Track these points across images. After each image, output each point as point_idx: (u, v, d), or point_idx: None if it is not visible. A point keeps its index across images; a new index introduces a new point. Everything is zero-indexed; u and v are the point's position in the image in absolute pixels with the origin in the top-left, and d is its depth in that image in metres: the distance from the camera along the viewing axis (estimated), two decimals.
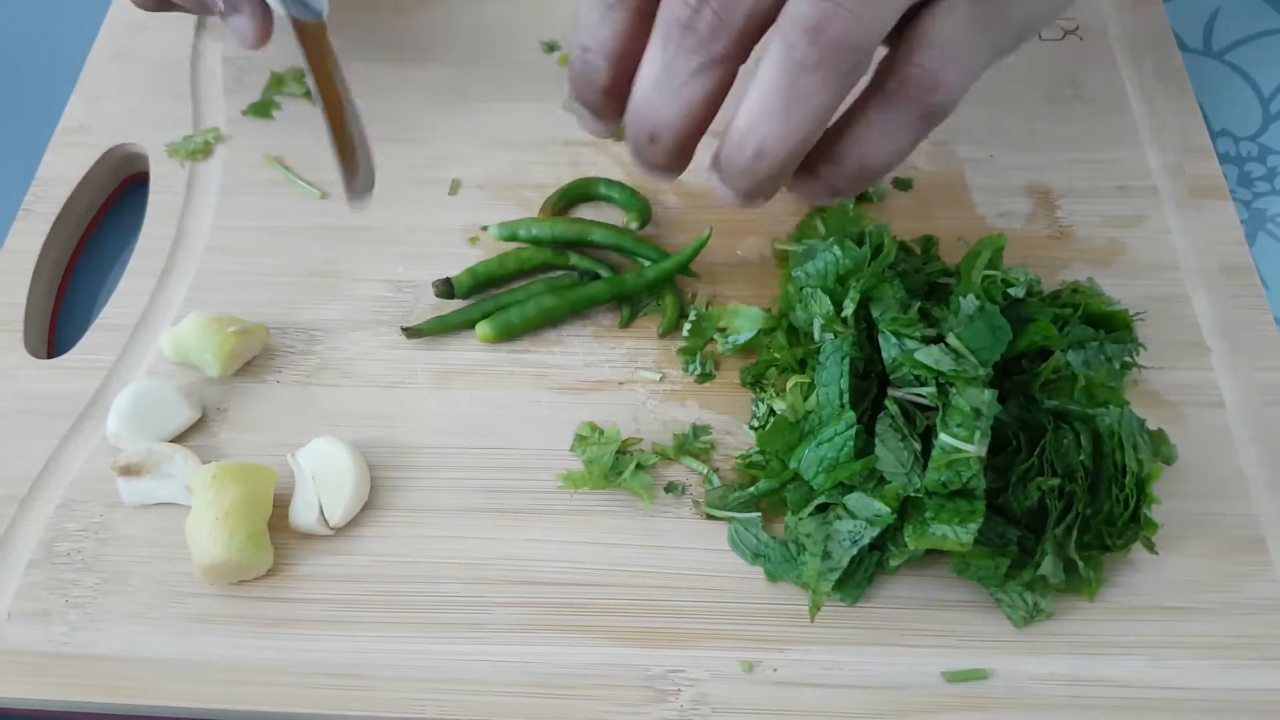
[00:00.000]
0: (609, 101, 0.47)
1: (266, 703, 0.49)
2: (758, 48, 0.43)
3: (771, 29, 0.42)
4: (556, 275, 0.62)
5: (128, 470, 0.53)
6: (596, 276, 0.60)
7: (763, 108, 0.43)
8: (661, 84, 0.44)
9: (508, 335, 0.59)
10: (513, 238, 0.61)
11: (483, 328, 0.58)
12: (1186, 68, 0.70)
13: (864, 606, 0.51)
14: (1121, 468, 0.47)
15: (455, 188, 0.66)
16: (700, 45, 0.42)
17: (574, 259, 0.61)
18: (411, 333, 0.59)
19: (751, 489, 0.53)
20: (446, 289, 0.60)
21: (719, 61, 0.43)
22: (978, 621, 0.51)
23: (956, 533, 0.46)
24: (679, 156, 0.46)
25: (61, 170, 0.66)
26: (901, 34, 0.43)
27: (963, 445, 0.46)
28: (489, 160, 0.67)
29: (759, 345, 0.57)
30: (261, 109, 0.69)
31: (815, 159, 0.46)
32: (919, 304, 0.50)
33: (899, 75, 0.43)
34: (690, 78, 0.43)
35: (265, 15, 0.59)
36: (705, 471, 0.55)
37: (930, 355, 0.47)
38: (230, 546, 0.49)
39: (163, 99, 0.70)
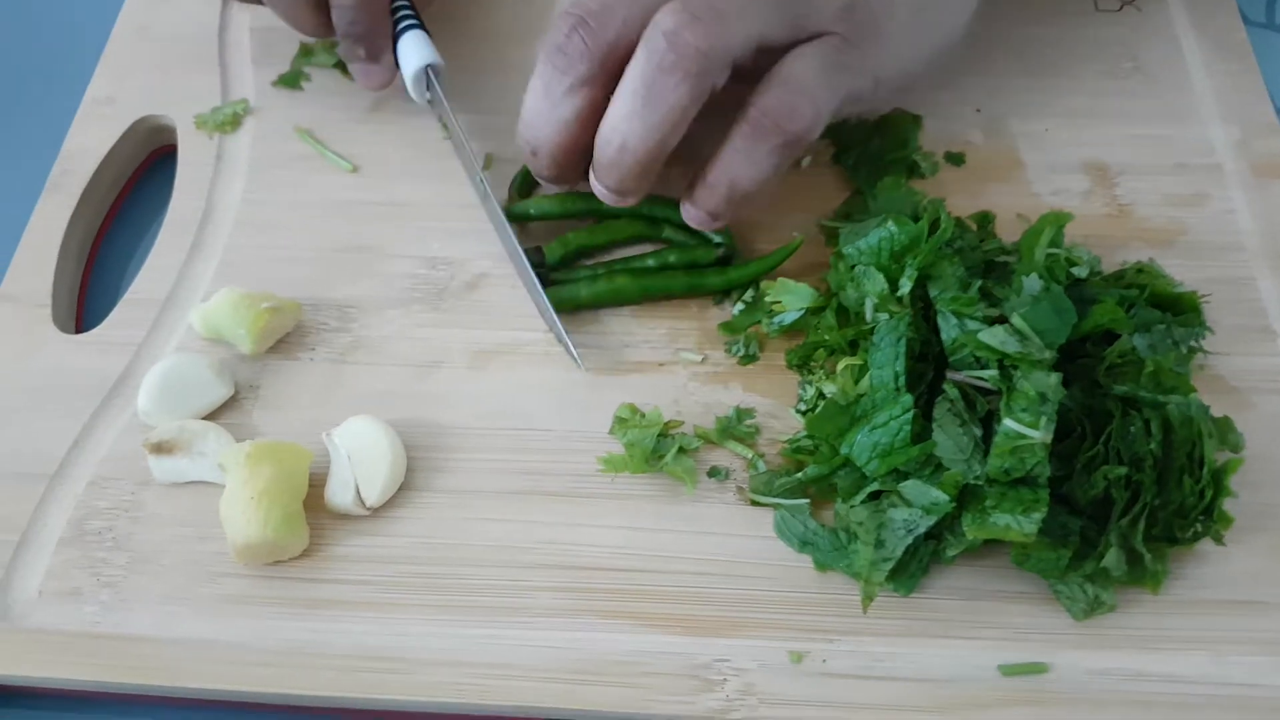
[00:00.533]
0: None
1: (301, 686, 0.47)
2: None
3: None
4: (644, 253, 0.60)
5: (159, 448, 0.52)
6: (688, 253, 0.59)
7: (627, 108, 0.48)
8: (540, 103, 0.51)
9: (573, 307, 0.57)
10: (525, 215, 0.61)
11: (549, 297, 0.57)
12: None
13: (917, 597, 0.49)
14: (1198, 459, 0.45)
15: (489, 162, 0.64)
16: (570, 67, 0.49)
17: (668, 231, 0.59)
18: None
19: (799, 474, 0.51)
20: (538, 258, 0.58)
21: (586, 83, 0.49)
22: (1035, 614, 0.49)
23: (1019, 522, 0.44)
24: (559, 170, 0.53)
25: (88, 143, 0.65)
26: (764, 76, 0.50)
27: (1027, 431, 0.44)
28: None
29: (805, 326, 0.55)
30: (291, 80, 0.68)
31: (691, 188, 0.53)
32: (979, 282, 0.48)
33: (759, 105, 0.49)
34: (562, 98, 0.50)
35: (395, 67, 0.64)
36: (750, 456, 0.53)
37: (995, 336, 0.45)
38: (266, 526, 0.48)
39: (190, 70, 0.68)
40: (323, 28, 0.62)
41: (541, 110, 0.51)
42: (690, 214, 0.54)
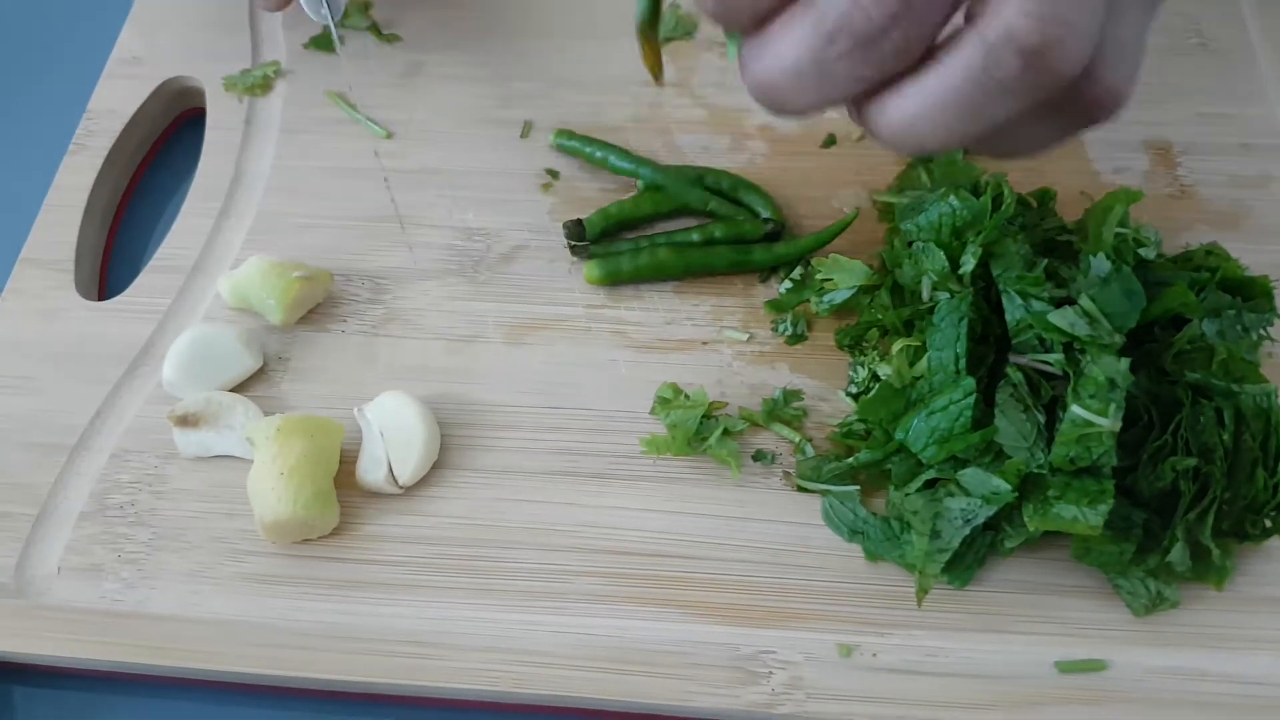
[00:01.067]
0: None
1: (329, 669, 0.46)
2: None
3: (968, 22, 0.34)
4: (688, 227, 0.57)
5: (185, 420, 0.50)
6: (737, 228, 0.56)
7: (933, 107, 0.36)
8: (804, 65, 0.36)
9: (613, 281, 0.56)
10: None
11: (590, 269, 0.55)
12: None
13: (972, 590, 0.47)
14: (1274, 452, 0.43)
15: (527, 130, 0.62)
16: (869, 54, 0.35)
17: (713, 204, 0.57)
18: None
19: (849, 460, 0.49)
20: (578, 230, 0.56)
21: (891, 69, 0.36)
22: (1094, 609, 0.47)
23: (1085, 514, 0.42)
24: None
25: (114, 103, 0.63)
26: None
27: (1095, 418, 0.42)
28: (563, 101, 0.63)
29: (857, 305, 0.53)
30: (323, 42, 0.66)
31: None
32: (1045, 261, 0.46)
33: (1077, 96, 0.36)
34: (844, 79, 0.36)
35: None
36: (797, 440, 0.51)
37: (1064, 318, 0.43)
38: (296, 504, 0.46)
39: (220, 30, 0.66)
40: None
41: (807, 79, 0.36)
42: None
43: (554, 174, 0.60)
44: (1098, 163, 0.59)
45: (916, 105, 0.36)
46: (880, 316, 0.50)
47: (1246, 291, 0.50)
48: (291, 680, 0.46)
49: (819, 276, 0.53)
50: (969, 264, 0.47)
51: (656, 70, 0.43)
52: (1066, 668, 0.46)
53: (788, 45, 0.36)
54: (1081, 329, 0.43)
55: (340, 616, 0.47)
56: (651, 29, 0.43)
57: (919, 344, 0.48)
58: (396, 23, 0.66)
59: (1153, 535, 0.45)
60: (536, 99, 0.63)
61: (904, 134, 0.37)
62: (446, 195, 0.59)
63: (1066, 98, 0.36)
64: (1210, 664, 0.46)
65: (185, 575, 0.48)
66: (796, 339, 0.54)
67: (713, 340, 0.54)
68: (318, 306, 0.55)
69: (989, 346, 0.47)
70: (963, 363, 0.45)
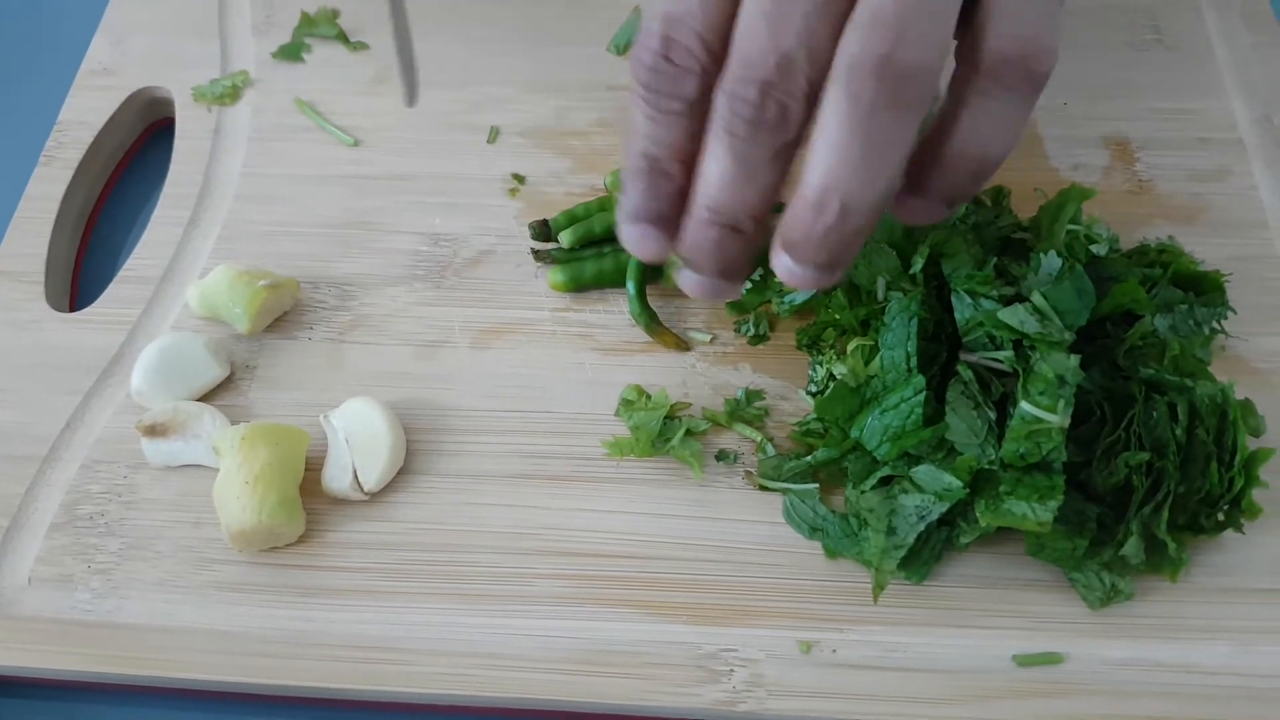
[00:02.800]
0: (677, 207, 0.41)
1: (298, 676, 0.46)
2: None
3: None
4: None
5: (153, 430, 0.51)
6: None
7: (838, 161, 0.38)
8: (738, 177, 0.39)
9: (578, 287, 0.56)
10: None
11: (554, 275, 0.56)
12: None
13: (930, 585, 0.48)
14: (1230, 447, 0.44)
15: (494, 135, 0.62)
16: (773, 133, 0.38)
17: None
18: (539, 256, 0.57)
19: (808, 458, 0.50)
20: (544, 231, 0.57)
21: (791, 143, 0.39)
22: (1051, 602, 0.47)
23: (1035, 510, 0.43)
24: (753, 251, 0.42)
25: (84, 114, 0.64)
26: (973, 12, 0.39)
27: (1045, 415, 0.42)
28: (530, 105, 0.64)
29: (817, 305, 0.53)
30: (292, 51, 0.66)
31: (920, 175, 0.42)
32: (995, 260, 0.47)
33: (996, 52, 0.38)
34: (768, 164, 0.39)
35: None
36: (759, 439, 0.51)
37: (1015, 315, 0.44)
38: (261, 512, 0.47)
39: (189, 40, 0.67)
40: None
41: (742, 183, 0.39)
42: (919, 208, 0.43)
43: (520, 179, 0.60)
44: (1055, 159, 0.60)
45: (823, 160, 0.38)
46: (837, 316, 0.51)
47: (1199, 286, 0.51)
48: (259, 687, 0.47)
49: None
50: (918, 264, 0.47)
51: (681, 346, 0.51)
52: (1024, 661, 0.46)
53: (709, 170, 0.39)
54: (1031, 326, 0.44)
55: (307, 624, 0.47)
56: (654, 323, 0.52)
57: (873, 343, 0.48)
58: (364, 30, 0.67)
59: (1107, 529, 0.46)
60: (502, 105, 0.63)
61: (829, 195, 0.38)
62: (413, 201, 0.60)
63: (982, 66, 0.38)
64: (1166, 654, 0.46)
65: (155, 584, 0.48)
66: (758, 339, 0.55)
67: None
68: (285, 314, 0.56)
69: (941, 345, 0.47)
70: (914, 361, 0.46)
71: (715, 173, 0.39)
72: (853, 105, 0.37)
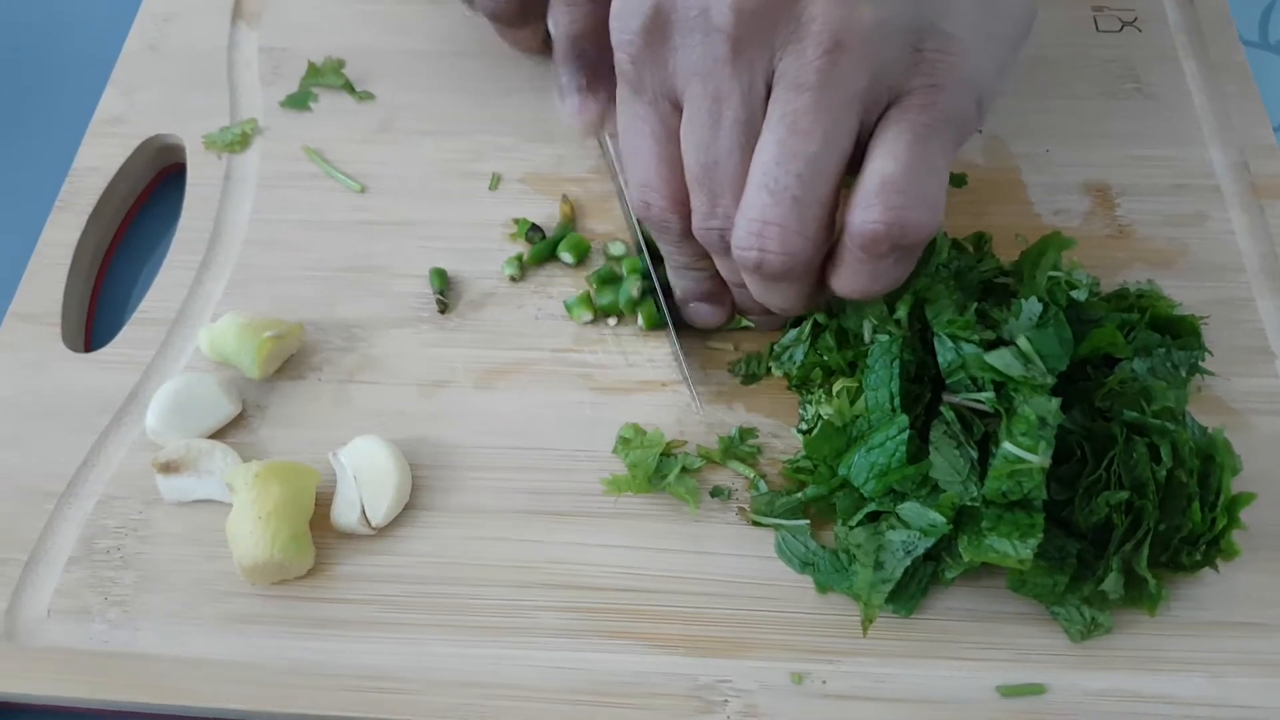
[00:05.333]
0: (715, 284, 0.55)
1: (308, 705, 0.48)
2: None
3: None
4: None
5: (167, 467, 0.52)
6: None
7: (759, 293, 0.50)
8: (732, 271, 0.53)
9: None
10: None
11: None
12: None
13: (917, 618, 0.49)
14: (1214, 488, 0.46)
15: (496, 182, 0.65)
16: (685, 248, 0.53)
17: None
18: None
19: (799, 495, 0.51)
20: (538, 234, 0.61)
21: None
22: (1034, 635, 0.49)
23: (1015, 548, 0.44)
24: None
25: (97, 162, 0.66)
26: (858, 169, 0.45)
27: (1026, 455, 0.44)
28: (530, 153, 0.66)
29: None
30: (299, 100, 0.68)
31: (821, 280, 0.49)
32: (975, 305, 0.49)
33: (859, 232, 0.44)
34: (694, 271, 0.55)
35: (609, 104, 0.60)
36: (752, 476, 0.53)
37: (1001, 359, 0.46)
38: (273, 547, 0.48)
39: (199, 89, 0.69)
40: (534, 37, 0.62)
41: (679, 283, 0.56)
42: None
43: (524, 224, 0.62)
44: (1038, 205, 0.62)
45: (758, 296, 0.51)
46: (825, 357, 0.53)
47: (1176, 330, 0.53)
48: (271, 716, 0.48)
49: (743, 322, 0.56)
50: (902, 309, 0.49)
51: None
52: (1008, 691, 0.48)
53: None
54: (1016, 369, 0.46)
55: (315, 655, 0.49)
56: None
57: (858, 384, 0.50)
58: (368, 80, 0.69)
59: (1087, 565, 0.47)
60: (504, 153, 0.66)
61: (753, 306, 0.54)
62: (418, 245, 0.62)
63: (852, 239, 0.45)
64: (1144, 686, 0.48)
65: (169, 616, 0.50)
66: (751, 379, 0.57)
67: (672, 381, 0.57)
68: (293, 356, 0.58)
69: (925, 386, 0.49)
70: (898, 401, 0.48)
71: (720, 265, 0.53)
72: (750, 279, 0.48)
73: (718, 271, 0.53)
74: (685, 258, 0.53)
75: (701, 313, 0.56)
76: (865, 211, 0.43)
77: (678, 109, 0.48)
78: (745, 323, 0.57)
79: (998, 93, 0.47)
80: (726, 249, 0.48)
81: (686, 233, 0.50)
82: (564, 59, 0.59)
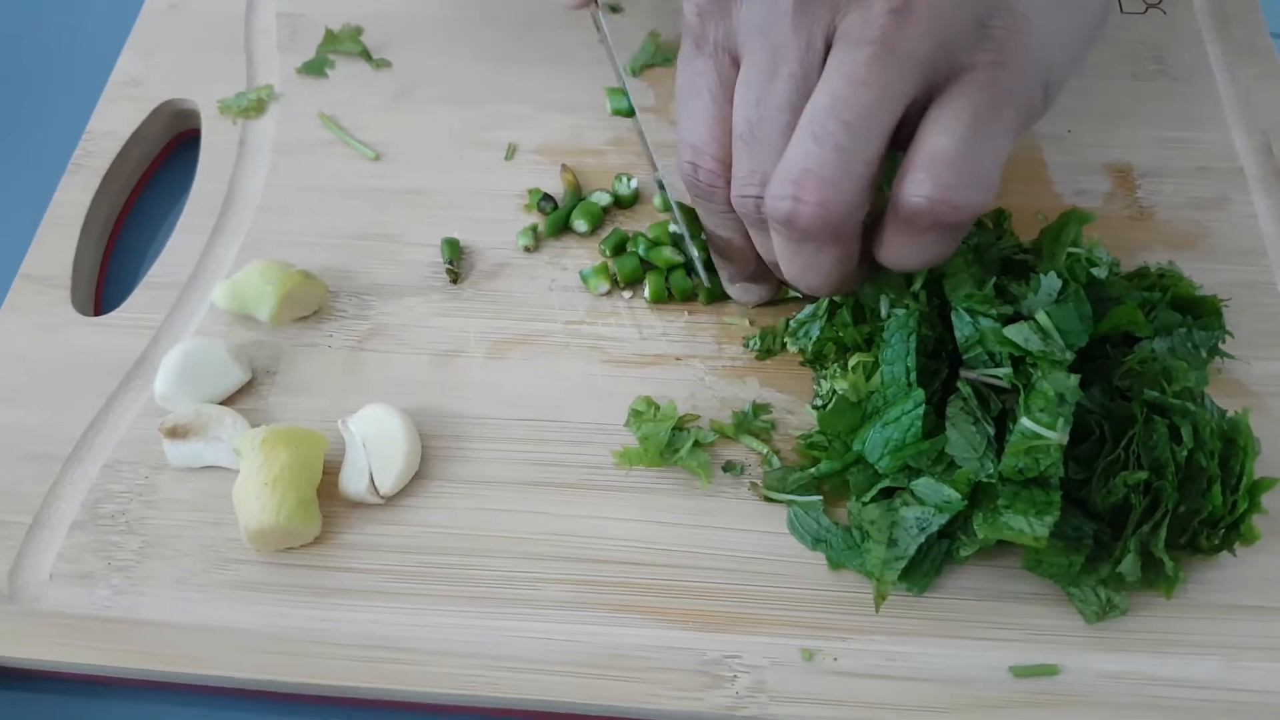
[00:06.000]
0: (758, 264, 0.54)
1: (312, 674, 0.47)
2: None
3: None
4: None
5: (175, 432, 0.52)
6: None
7: (786, 262, 0.48)
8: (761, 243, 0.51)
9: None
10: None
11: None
12: None
13: (930, 597, 0.49)
14: (1237, 471, 0.45)
15: (511, 152, 0.64)
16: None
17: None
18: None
19: (812, 471, 0.51)
20: (550, 204, 0.60)
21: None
22: (1049, 615, 0.48)
23: (1031, 525, 0.44)
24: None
25: (113, 124, 0.65)
26: (909, 140, 0.44)
27: (1044, 431, 0.43)
28: (546, 123, 0.65)
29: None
30: (315, 67, 0.68)
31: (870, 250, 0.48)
32: (994, 280, 0.48)
33: (905, 205, 0.43)
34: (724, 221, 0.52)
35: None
36: (765, 451, 0.53)
37: (1019, 333, 0.45)
38: (279, 513, 0.48)
39: (216, 54, 0.69)
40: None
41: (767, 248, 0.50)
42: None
43: (536, 194, 0.62)
44: (1059, 185, 0.62)
45: (779, 259, 0.48)
46: (840, 333, 0.52)
47: (1197, 310, 0.52)
48: (274, 684, 0.48)
49: (789, 293, 0.55)
50: (918, 283, 0.49)
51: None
52: (1021, 672, 0.47)
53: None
54: (1035, 344, 0.45)
55: (321, 623, 0.49)
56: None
57: (873, 359, 0.49)
58: (386, 47, 0.68)
59: (1103, 545, 0.47)
60: (520, 122, 0.65)
61: (789, 276, 0.49)
62: (432, 214, 0.61)
63: (899, 210, 0.44)
64: (1159, 668, 0.47)
65: (174, 582, 0.50)
66: (766, 354, 0.56)
67: (686, 355, 0.56)
68: (305, 319, 0.57)
69: (942, 362, 0.49)
70: (913, 375, 0.47)
71: (755, 240, 0.51)
72: (781, 242, 0.47)
73: (755, 254, 0.53)
74: (730, 233, 0.52)
75: (749, 292, 0.56)
76: (914, 185, 0.43)
77: (737, 65, 0.47)
78: (793, 293, 0.57)
79: (1066, 80, 0.46)
80: (761, 220, 0.47)
81: (729, 199, 0.49)
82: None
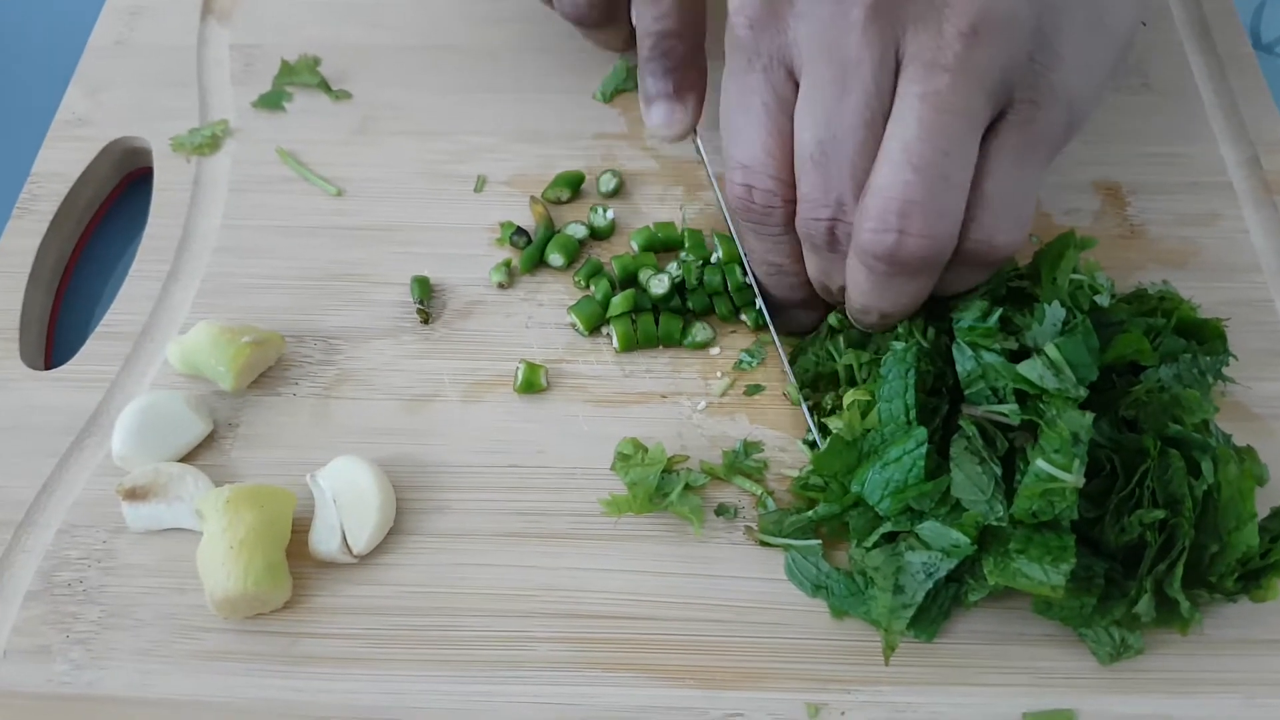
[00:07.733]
0: (810, 289, 0.51)
1: None
2: None
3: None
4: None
5: (133, 494, 0.49)
6: None
7: (866, 294, 0.46)
8: (828, 267, 0.49)
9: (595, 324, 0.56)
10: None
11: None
12: None
13: (938, 643, 0.47)
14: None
15: (481, 184, 0.62)
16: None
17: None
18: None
19: (809, 514, 0.48)
20: (524, 239, 0.58)
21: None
22: (1061, 657, 0.46)
23: (1047, 573, 0.42)
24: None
25: (59, 166, 0.62)
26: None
27: (1060, 474, 0.41)
28: (515, 154, 0.63)
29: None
30: (272, 100, 0.65)
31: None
32: (1000, 311, 0.46)
33: (966, 250, 0.44)
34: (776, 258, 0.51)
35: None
36: (759, 493, 0.50)
37: (1034, 369, 0.43)
38: (247, 579, 0.45)
39: (167, 89, 0.66)
40: (618, 35, 0.57)
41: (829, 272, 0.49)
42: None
43: (508, 227, 0.59)
44: (1048, 205, 0.60)
45: (854, 289, 0.46)
46: (833, 363, 0.50)
47: (1200, 334, 0.50)
48: None
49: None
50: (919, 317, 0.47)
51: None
52: (1035, 718, 0.45)
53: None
54: (1050, 381, 0.43)
55: (295, 694, 0.46)
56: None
57: (869, 396, 0.47)
58: (345, 79, 0.66)
59: (1115, 584, 0.45)
60: (488, 153, 0.63)
61: (867, 311, 0.47)
62: (399, 251, 0.59)
63: (957, 259, 0.45)
64: (1177, 709, 0.46)
65: (136, 654, 0.47)
66: (755, 389, 0.54)
67: (671, 393, 0.54)
68: (269, 369, 0.54)
69: (942, 399, 0.47)
70: (913, 413, 0.45)
71: (815, 266, 0.49)
72: (868, 272, 0.45)
73: (806, 278, 0.51)
74: (782, 258, 0.50)
75: (799, 318, 0.54)
76: (976, 232, 0.44)
77: (794, 81, 0.45)
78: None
79: (1088, 115, 0.46)
80: (832, 243, 0.45)
81: (789, 224, 0.47)
82: (649, 60, 0.54)
